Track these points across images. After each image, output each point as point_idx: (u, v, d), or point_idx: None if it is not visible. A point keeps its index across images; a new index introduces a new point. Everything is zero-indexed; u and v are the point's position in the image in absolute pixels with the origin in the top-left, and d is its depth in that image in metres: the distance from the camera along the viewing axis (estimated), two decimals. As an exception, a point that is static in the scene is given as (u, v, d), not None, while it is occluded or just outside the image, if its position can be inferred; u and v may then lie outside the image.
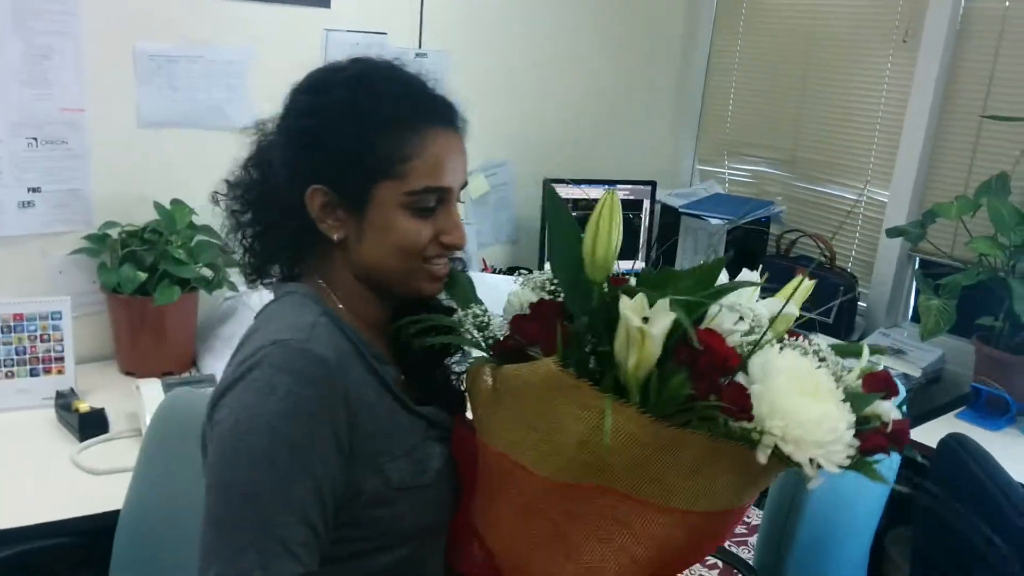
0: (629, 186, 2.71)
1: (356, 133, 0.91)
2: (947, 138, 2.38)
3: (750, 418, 0.70)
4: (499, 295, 0.96)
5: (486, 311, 0.91)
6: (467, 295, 0.95)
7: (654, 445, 0.71)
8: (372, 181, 0.91)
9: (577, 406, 0.72)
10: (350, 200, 0.92)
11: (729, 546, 1.93)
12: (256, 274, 1.03)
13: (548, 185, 0.76)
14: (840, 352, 0.79)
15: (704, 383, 0.70)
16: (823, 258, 2.56)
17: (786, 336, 0.79)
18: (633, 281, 0.79)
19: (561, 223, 0.79)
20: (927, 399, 2.26)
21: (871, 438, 0.74)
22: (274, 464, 0.81)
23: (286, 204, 0.94)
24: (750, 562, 1.68)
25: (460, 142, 0.97)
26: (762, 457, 0.70)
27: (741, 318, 0.76)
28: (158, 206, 1.89)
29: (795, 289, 0.80)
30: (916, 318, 2.35)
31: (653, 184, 2.73)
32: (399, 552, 0.93)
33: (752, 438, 0.71)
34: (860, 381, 0.79)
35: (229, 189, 1.01)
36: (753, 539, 1.81)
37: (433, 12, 2.35)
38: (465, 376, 0.95)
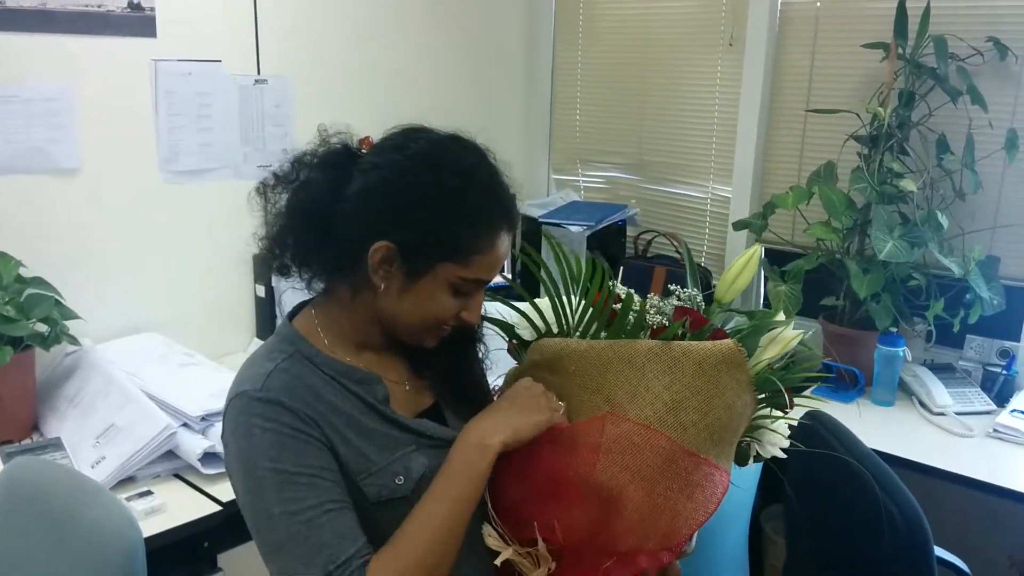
0: (487, 200, 2.72)
1: (449, 220, 0.99)
2: (777, 133, 2.54)
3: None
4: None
5: (662, 299, 1.09)
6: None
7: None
8: (441, 259, 1.00)
9: (733, 379, 1.01)
10: (411, 265, 1.00)
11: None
12: (280, 273, 1.08)
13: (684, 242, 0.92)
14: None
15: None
16: (678, 254, 2.66)
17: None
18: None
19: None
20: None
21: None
22: (289, 481, 0.94)
23: (342, 237, 1.00)
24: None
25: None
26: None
27: None
28: (-22, 260, 1.73)
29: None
30: (768, 304, 2.48)
31: (510, 196, 2.75)
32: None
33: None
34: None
35: (276, 182, 1.06)
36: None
37: (269, 36, 2.28)
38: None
